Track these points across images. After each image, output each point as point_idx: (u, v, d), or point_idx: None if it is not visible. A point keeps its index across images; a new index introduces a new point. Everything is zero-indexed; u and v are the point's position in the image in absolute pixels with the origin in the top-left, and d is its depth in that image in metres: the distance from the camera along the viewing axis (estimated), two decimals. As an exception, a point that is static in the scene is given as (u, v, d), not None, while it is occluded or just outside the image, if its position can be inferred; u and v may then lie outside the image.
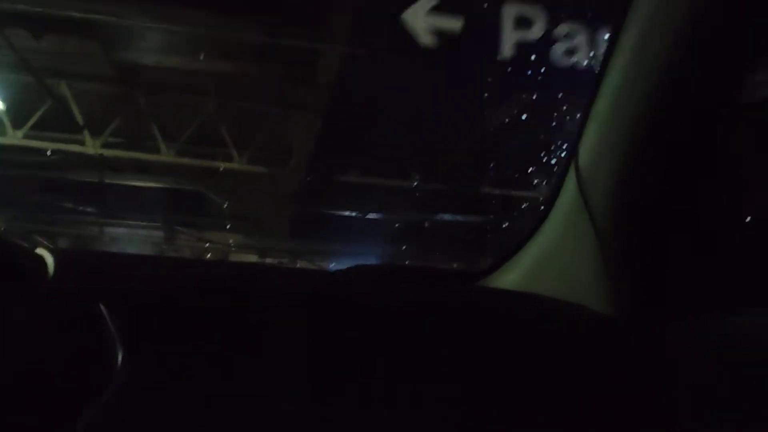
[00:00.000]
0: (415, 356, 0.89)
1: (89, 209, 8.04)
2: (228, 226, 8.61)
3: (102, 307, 0.81)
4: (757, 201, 0.77)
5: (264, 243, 9.32)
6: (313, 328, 0.90)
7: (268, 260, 9.40)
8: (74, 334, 0.79)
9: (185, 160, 6.71)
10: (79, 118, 6.18)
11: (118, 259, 1.08)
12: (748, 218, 0.78)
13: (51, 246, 0.88)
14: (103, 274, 0.92)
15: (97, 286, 0.86)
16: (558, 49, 4.50)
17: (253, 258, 9.45)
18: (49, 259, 0.85)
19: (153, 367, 0.79)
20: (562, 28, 4.52)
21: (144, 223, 8.76)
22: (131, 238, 9.32)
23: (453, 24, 4.32)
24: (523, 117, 5.14)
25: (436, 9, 4.31)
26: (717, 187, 0.77)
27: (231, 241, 9.17)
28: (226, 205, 7.64)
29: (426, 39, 4.27)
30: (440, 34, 4.28)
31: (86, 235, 9.27)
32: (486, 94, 5.12)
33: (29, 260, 0.85)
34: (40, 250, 0.87)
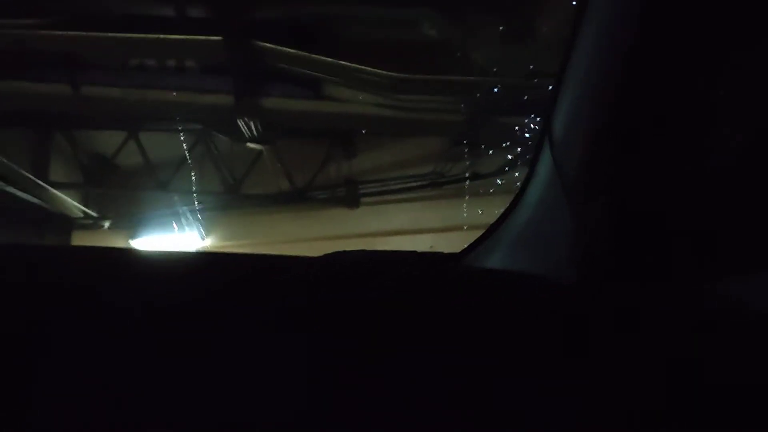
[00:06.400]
0: (398, 338, 0.89)
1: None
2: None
3: (20, 301, 0.79)
4: (723, 171, 0.76)
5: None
6: (290, 318, 0.89)
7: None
8: None
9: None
10: None
11: (35, 251, 1.05)
12: (718, 190, 0.78)
13: None
14: (18, 268, 0.88)
15: (13, 279, 0.83)
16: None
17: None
18: None
19: (74, 363, 0.76)
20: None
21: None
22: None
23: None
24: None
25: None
26: (691, 159, 0.77)
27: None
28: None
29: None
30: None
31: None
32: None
33: None
34: None
